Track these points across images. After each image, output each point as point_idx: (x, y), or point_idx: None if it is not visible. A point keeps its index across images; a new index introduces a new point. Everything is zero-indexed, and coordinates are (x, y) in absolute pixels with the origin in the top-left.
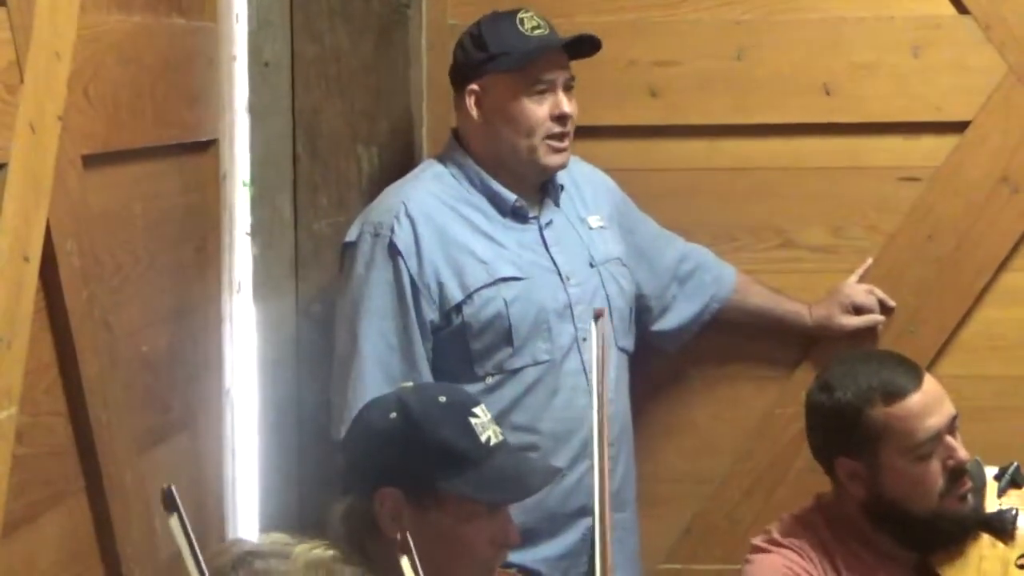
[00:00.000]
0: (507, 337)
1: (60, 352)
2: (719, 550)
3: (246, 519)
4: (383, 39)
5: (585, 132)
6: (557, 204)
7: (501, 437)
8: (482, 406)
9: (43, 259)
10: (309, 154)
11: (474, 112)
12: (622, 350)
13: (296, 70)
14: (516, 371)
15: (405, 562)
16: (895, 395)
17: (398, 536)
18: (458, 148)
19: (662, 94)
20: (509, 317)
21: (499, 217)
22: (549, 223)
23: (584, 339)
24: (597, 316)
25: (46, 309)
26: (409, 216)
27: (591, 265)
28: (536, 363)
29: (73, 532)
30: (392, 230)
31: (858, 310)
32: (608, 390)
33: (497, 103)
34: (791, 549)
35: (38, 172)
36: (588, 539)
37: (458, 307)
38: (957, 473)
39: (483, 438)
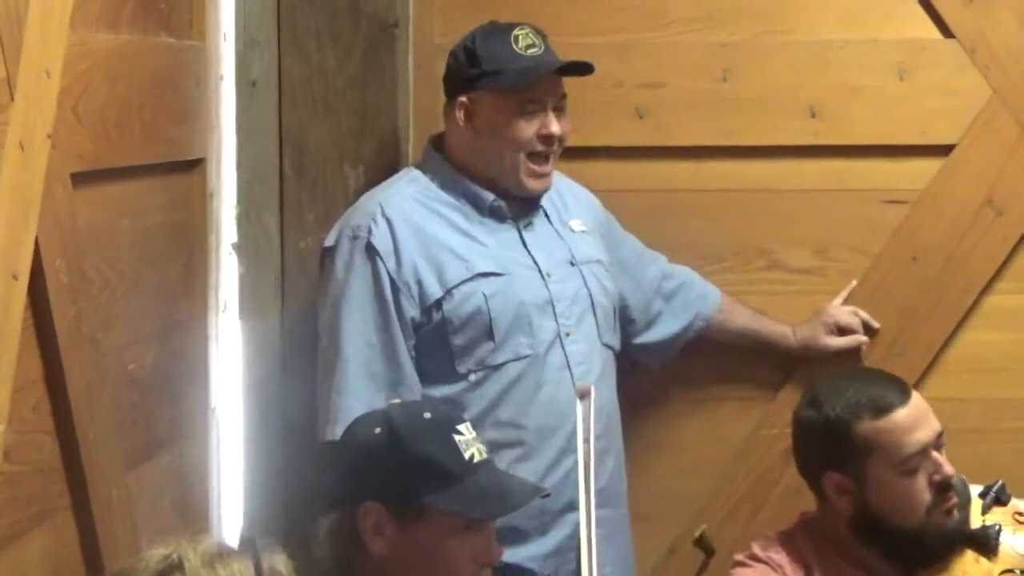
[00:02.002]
0: (488, 332)
1: (47, 369)
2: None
3: (231, 535)
4: (370, 58)
5: (572, 153)
6: (537, 207)
7: (486, 455)
8: (467, 423)
9: (31, 276)
10: (296, 172)
11: (462, 123)
12: (607, 347)
13: (283, 89)
14: (498, 367)
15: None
16: (882, 409)
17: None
18: (435, 155)
19: (649, 115)
20: (489, 312)
21: (477, 216)
22: (528, 224)
23: (567, 334)
24: (582, 395)
25: (34, 326)
26: (386, 217)
27: (572, 263)
28: (518, 358)
29: (59, 549)
30: (369, 231)
31: (842, 331)
32: (593, 463)
33: (486, 119)
34: (767, 565)
35: (27, 190)
36: (577, 535)
37: (438, 303)
38: (943, 488)
39: (467, 455)
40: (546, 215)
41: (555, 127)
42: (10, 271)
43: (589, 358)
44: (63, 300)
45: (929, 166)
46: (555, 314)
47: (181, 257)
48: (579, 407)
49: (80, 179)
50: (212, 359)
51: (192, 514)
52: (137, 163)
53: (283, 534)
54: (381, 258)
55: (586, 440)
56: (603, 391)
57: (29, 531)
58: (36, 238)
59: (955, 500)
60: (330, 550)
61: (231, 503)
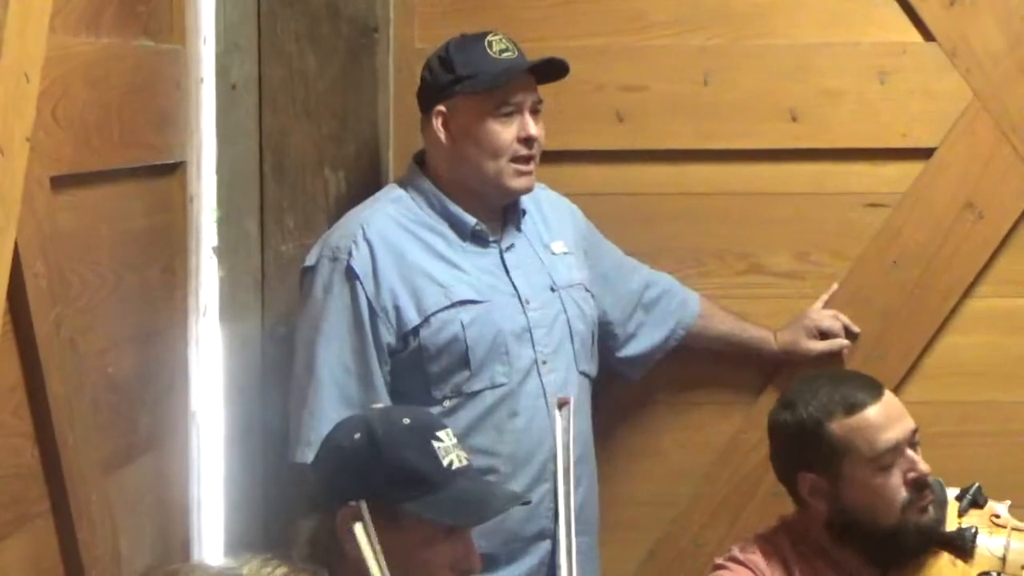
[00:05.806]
0: (464, 360)
1: (27, 373)
2: (683, 574)
3: (211, 540)
4: (351, 62)
5: (552, 156)
6: (519, 229)
7: (465, 462)
8: (447, 430)
9: (10, 280)
10: (276, 176)
11: (441, 134)
12: (583, 374)
13: (263, 93)
14: (474, 394)
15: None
16: (854, 407)
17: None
18: (418, 172)
19: (629, 119)
20: (466, 340)
21: (458, 241)
22: (510, 247)
23: (544, 362)
24: (561, 405)
25: (13, 330)
26: (367, 240)
27: (552, 289)
28: (494, 386)
29: (39, 554)
30: (350, 254)
31: (824, 335)
32: (572, 477)
33: (464, 125)
34: (746, 567)
35: (6, 194)
36: (547, 563)
37: (415, 330)
38: (919, 485)
39: (445, 462)
40: (527, 238)
41: (533, 128)
42: None
43: (565, 387)
44: (42, 304)
45: (910, 169)
46: (532, 341)
47: (161, 261)
48: (558, 417)
49: (59, 183)
50: (192, 363)
51: (172, 519)
52: (117, 167)
53: (263, 540)
54: (360, 282)
55: (565, 449)
56: (578, 420)
57: (8, 536)
58: (15, 242)
59: (931, 498)
60: (310, 554)
61: (211, 508)
